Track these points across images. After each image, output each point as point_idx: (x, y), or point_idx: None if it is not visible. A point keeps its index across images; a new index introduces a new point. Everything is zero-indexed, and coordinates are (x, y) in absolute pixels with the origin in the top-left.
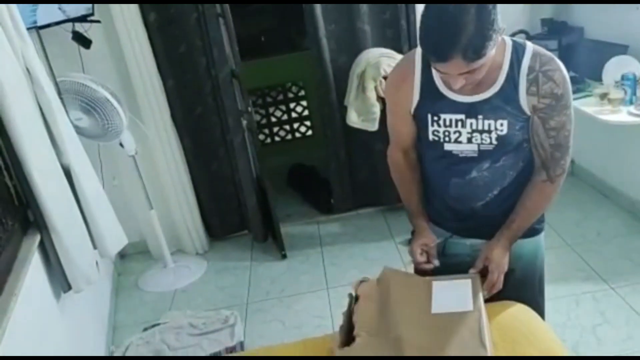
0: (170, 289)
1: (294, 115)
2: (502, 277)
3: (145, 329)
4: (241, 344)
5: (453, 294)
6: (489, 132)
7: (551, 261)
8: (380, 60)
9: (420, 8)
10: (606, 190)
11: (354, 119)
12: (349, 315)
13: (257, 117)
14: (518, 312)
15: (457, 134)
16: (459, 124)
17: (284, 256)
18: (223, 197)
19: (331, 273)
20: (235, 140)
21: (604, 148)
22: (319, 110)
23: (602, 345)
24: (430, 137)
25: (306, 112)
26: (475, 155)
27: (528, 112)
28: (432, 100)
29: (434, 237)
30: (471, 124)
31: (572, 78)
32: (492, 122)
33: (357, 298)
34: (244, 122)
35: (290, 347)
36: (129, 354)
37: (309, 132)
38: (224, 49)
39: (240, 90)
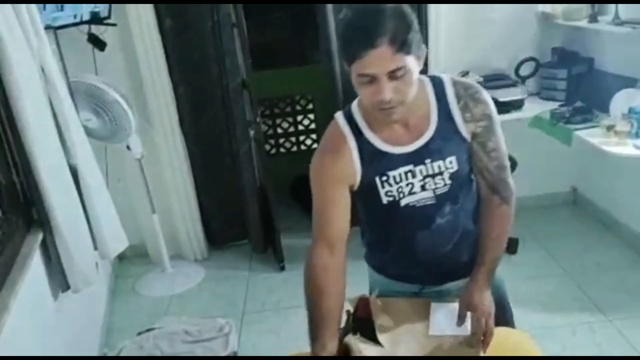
0: (167, 294)
1: (300, 127)
2: (492, 322)
3: (140, 333)
4: (235, 354)
5: (451, 318)
6: (441, 173)
7: (549, 290)
8: None
9: (432, 22)
10: (608, 222)
11: None
12: (346, 331)
13: (264, 128)
14: (513, 336)
15: (409, 186)
16: (409, 175)
17: (283, 268)
18: (225, 205)
19: None
20: (242, 149)
21: (607, 180)
22: (326, 123)
23: None
24: (385, 199)
25: (313, 125)
26: (434, 202)
27: (469, 139)
28: (375, 161)
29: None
30: (421, 171)
31: (580, 108)
32: (440, 162)
33: (354, 314)
34: (252, 132)
35: None
36: (121, 357)
37: (315, 145)
38: (237, 58)
39: (250, 101)
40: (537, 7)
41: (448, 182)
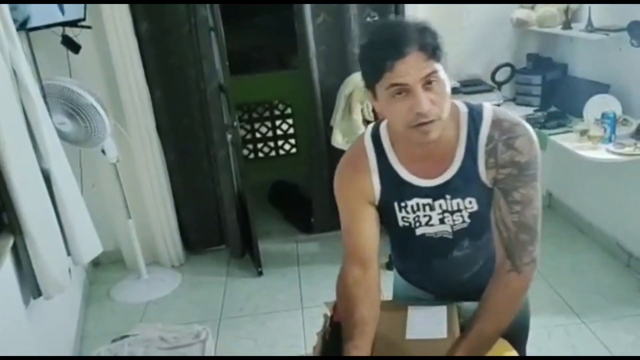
0: (143, 300)
1: (279, 132)
2: None
3: (114, 341)
4: None
5: (428, 321)
6: (459, 210)
7: (529, 296)
8: None
9: None
10: (582, 225)
11: (339, 140)
12: (324, 336)
13: (242, 132)
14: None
15: (427, 218)
16: (427, 207)
17: (260, 273)
18: (203, 210)
19: (307, 292)
20: (219, 154)
21: (581, 183)
22: (304, 128)
23: None
24: (400, 223)
25: (291, 130)
26: (451, 237)
27: (490, 185)
28: (394, 187)
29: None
30: (440, 205)
31: (554, 113)
32: (460, 200)
33: (331, 319)
34: (229, 137)
35: None
36: None
37: (293, 150)
38: (214, 63)
39: (228, 105)
40: (512, 14)
41: (467, 220)
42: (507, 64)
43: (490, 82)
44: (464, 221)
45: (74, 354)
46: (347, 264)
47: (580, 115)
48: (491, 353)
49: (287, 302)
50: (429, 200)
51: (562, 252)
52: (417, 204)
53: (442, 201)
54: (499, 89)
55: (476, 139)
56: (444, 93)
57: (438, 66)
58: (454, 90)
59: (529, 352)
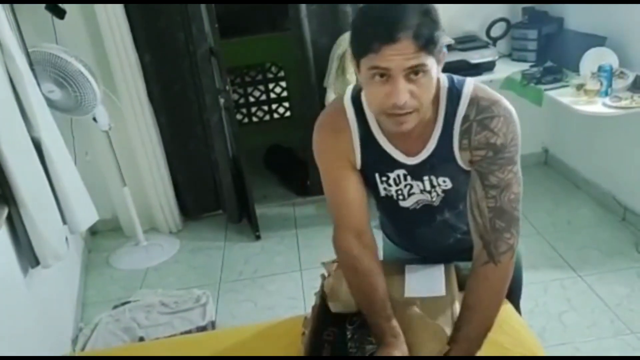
0: (142, 267)
1: (272, 95)
2: None
3: (116, 307)
4: (212, 324)
5: (426, 280)
6: (435, 187)
7: (521, 248)
8: None
9: None
10: (578, 181)
11: None
12: (322, 295)
13: (235, 97)
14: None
15: (408, 187)
16: (408, 178)
17: (258, 237)
18: (198, 176)
19: (305, 255)
20: (212, 119)
21: (578, 139)
22: (298, 91)
23: (567, 331)
24: (382, 192)
25: (285, 93)
26: (434, 204)
27: (465, 167)
28: (375, 157)
29: (405, 349)
30: (418, 185)
31: (550, 68)
32: (433, 178)
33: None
34: (222, 101)
35: (261, 327)
36: (98, 331)
37: (288, 113)
38: (203, 25)
39: (219, 69)
40: None
41: (441, 194)
42: (502, 19)
43: (485, 38)
44: (438, 195)
45: (76, 321)
46: (341, 234)
47: (576, 70)
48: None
49: (285, 265)
50: (409, 176)
51: (558, 208)
52: (398, 175)
53: (419, 182)
54: (494, 44)
55: (453, 120)
56: (428, 86)
57: (428, 60)
58: (449, 47)
59: (525, 306)
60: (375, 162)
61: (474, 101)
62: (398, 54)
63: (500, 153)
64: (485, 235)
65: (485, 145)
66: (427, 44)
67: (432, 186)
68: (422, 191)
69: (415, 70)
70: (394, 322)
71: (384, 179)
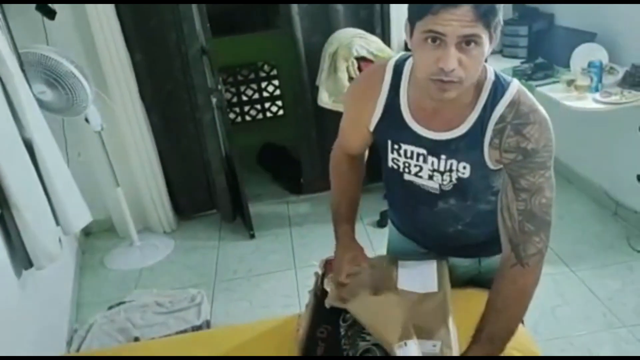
0: (137, 267)
1: (265, 94)
2: None
3: (110, 307)
4: (207, 323)
5: (418, 275)
6: (450, 171)
7: None
8: (353, 40)
9: None
10: (570, 175)
11: (325, 99)
12: (315, 293)
13: (228, 96)
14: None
15: (417, 168)
16: (421, 158)
17: (252, 236)
18: (192, 175)
19: (299, 253)
20: (205, 118)
21: (569, 134)
22: (290, 90)
23: (560, 325)
24: (390, 163)
25: (278, 92)
26: (438, 192)
27: (491, 165)
28: (393, 126)
29: (361, 247)
30: (432, 163)
31: (541, 64)
32: (454, 161)
33: (323, 276)
34: (214, 100)
35: (256, 326)
36: (92, 332)
37: (280, 112)
38: (194, 24)
39: (211, 68)
40: None
41: (454, 181)
42: None
43: None
44: (450, 181)
45: (70, 322)
46: (337, 149)
47: (567, 66)
48: (470, 302)
49: (280, 263)
50: (424, 152)
51: None
52: (412, 152)
53: (435, 159)
54: None
55: (490, 114)
56: (477, 59)
57: (483, 32)
58: None
59: None
60: (391, 131)
61: (514, 104)
62: (456, 19)
63: (531, 157)
64: (514, 238)
65: (515, 149)
66: (486, 15)
67: (450, 170)
68: (434, 171)
69: (468, 40)
70: (348, 227)
71: (396, 147)
